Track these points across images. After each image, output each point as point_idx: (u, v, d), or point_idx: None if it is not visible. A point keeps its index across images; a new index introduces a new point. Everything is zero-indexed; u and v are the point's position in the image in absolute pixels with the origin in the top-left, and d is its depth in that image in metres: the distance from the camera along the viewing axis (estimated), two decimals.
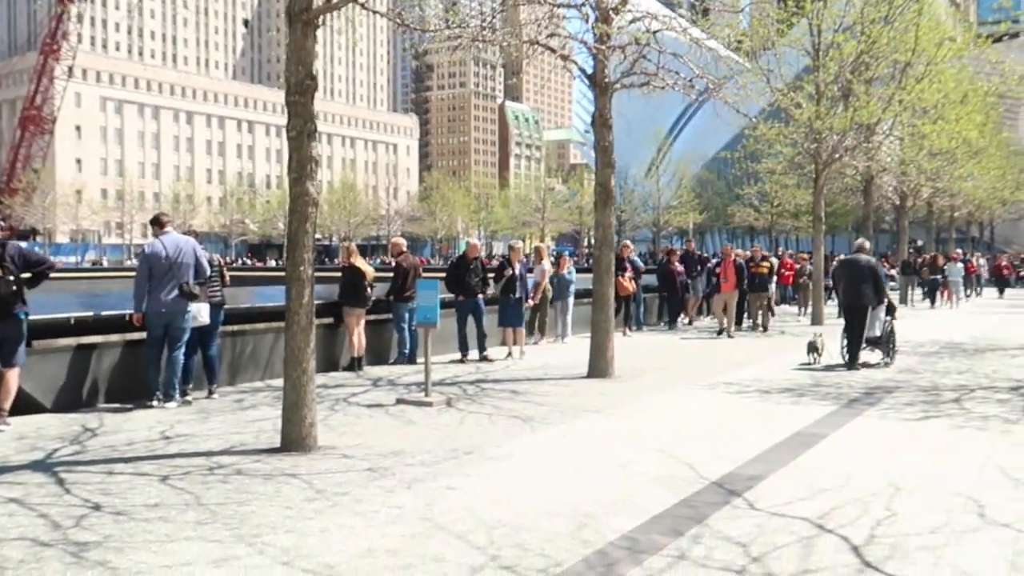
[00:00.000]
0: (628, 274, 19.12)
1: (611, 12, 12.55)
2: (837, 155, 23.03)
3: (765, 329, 20.68)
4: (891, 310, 14.85)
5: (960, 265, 33.60)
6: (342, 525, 5.59)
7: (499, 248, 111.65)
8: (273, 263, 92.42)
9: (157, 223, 10.48)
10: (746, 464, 7.28)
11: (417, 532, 5.44)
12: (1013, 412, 9.86)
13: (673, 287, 21.48)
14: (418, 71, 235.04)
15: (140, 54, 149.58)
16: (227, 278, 11.57)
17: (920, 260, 35.47)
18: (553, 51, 12.92)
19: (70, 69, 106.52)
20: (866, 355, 14.26)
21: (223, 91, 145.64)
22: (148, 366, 10.09)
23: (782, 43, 23.73)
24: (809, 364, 14.31)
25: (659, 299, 22.31)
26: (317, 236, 8.68)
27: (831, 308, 24.90)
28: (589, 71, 13.14)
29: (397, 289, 14.22)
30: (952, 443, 8.25)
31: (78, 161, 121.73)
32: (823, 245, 25.06)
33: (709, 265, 22.33)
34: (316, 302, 8.54)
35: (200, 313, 10.39)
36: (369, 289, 13.64)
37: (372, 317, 14.19)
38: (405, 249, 15.10)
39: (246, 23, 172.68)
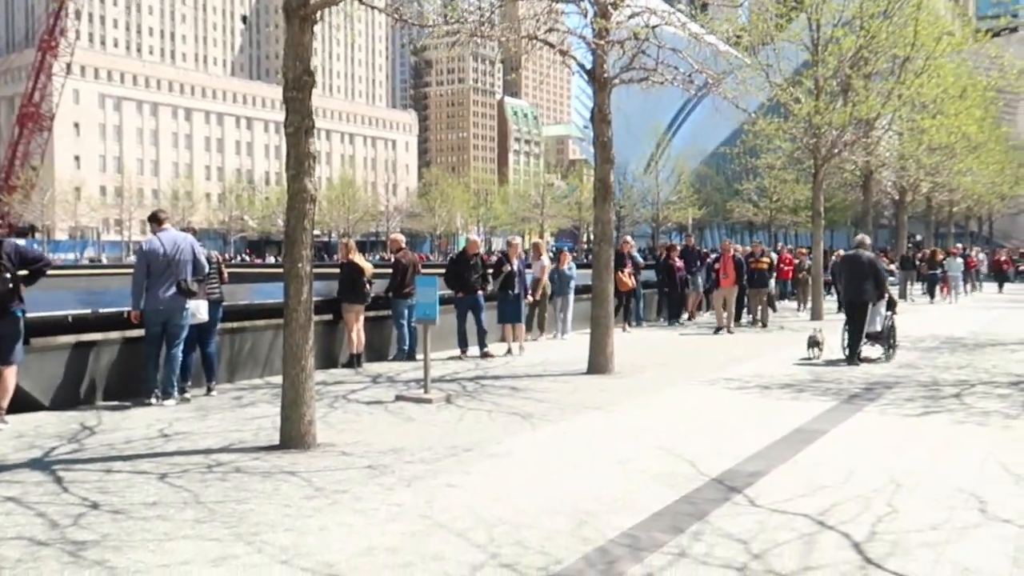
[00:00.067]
0: (628, 270, 19.09)
1: (610, 7, 12.50)
2: (836, 150, 23.02)
3: (764, 325, 20.65)
4: (892, 305, 14.83)
5: (960, 260, 33.59)
6: (341, 523, 5.56)
7: (498, 244, 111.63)
8: (272, 259, 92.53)
9: (155, 220, 10.44)
10: (746, 460, 7.25)
11: (417, 530, 5.42)
12: (1014, 407, 9.85)
13: (673, 283, 21.45)
14: (417, 67, 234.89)
15: (138, 50, 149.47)
16: (225, 275, 11.54)
17: (921, 255, 35.46)
18: (552, 46, 12.88)
19: (68, 66, 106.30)
20: (867, 350, 14.25)
21: (222, 87, 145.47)
22: (146, 364, 10.05)
23: (781, 38, 23.69)
24: (809, 359, 14.29)
25: (658, 295, 22.27)
26: (316, 233, 8.67)
27: (830, 303, 24.92)
28: (588, 67, 13.10)
29: (396, 285, 14.20)
30: (953, 439, 8.23)
31: (76, 158, 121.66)
32: (822, 240, 25.03)
33: (708, 261, 22.29)
34: (315, 299, 8.52)
35: (199, 310, 10.36)
36: (368, 285, 13.62)
37: (371, 313, 14.17)
38: (404, 245, 15.09)
39: (244, 19, 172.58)
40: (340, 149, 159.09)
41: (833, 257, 28.42)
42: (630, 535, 5.32)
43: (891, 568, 4.75)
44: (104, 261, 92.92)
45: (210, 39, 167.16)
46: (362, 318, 13.63)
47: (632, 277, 19.35)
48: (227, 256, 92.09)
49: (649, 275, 22.65)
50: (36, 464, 7.17)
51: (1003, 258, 41.93)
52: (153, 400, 9.94)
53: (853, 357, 13.85)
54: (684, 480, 6.61)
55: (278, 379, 8.65)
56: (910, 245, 42.29)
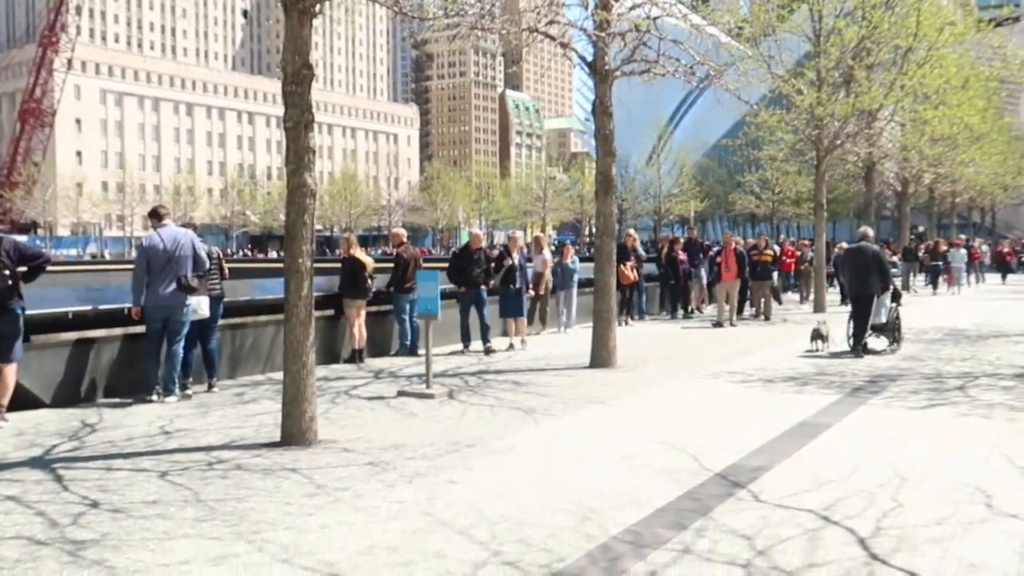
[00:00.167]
0: (630, 263, 19.03)
1: None
2: (839, 141, 22.93)
3: (767, 317, 20.60)
4: (896, 297, 14.80)
5: (963, 251, 33.51)
6: (342, 521, 5.53)
7: (500, 238, 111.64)
8: (274, 254, 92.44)
9: (155, 216, 10.40)
10: (750, 455, 7.21)
11: (418, 528, 5.38)
12: (1018, 399, 9.80)
13: (676, 276, 21.38)
14: (418, 60, 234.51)
15: (139, 46, 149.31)
16: (226, 271, 11.50)
17: (925, 246, 35.37)
18: (553, 39, 12.81)
19: (69, 61, 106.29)
20: (872, 342, 14.23)
21: (223, 82, 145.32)
22: (147, 360, 10.02)
23: (783, 29, 23.61)
24: (814, 351, 14.25)
25: (660, 288, 22.20)
26: (318, 227, 8.64)
27: (832, 295, 24.89)
28: (589, 59, 13.03)
29: (398, 280, 14.16)
30: (957, 431, 8.19)
31: (78, 154, 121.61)
32: (825, 232, 24.96)
33: (711, 254, 22.23)
34: (316, 294, 8.48)
35: (200, 306, 10.32)
36: (369, 280, 13.57)
37: (373, 309, 14.13)
38: (405, 240, 15.04)
39: (245, 14, 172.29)
40: (342, 143, 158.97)
41: (835, 249, 28.37)
42: (633, 531, 5.28)
43: (897, 564, 4.71)
44: (107, 257, 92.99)
45: (211, 34, 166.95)
46: (364, 313, 13.59)
47: (634, 270, 19.28)
48: (228, 251, 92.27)
49: (650, 268, 22.57)
50: (36, 462, 7.14)
51: (1006, 249, 41.86)
52: (154, 397, 9.90)
53: (858, 349, 13.81)
54: (687, 475, 6.56)
55: (280, 375, 8.61)
56: (912, 236, 42.23)
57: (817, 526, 5.34)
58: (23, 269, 8.88)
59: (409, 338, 14.26)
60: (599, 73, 12.83)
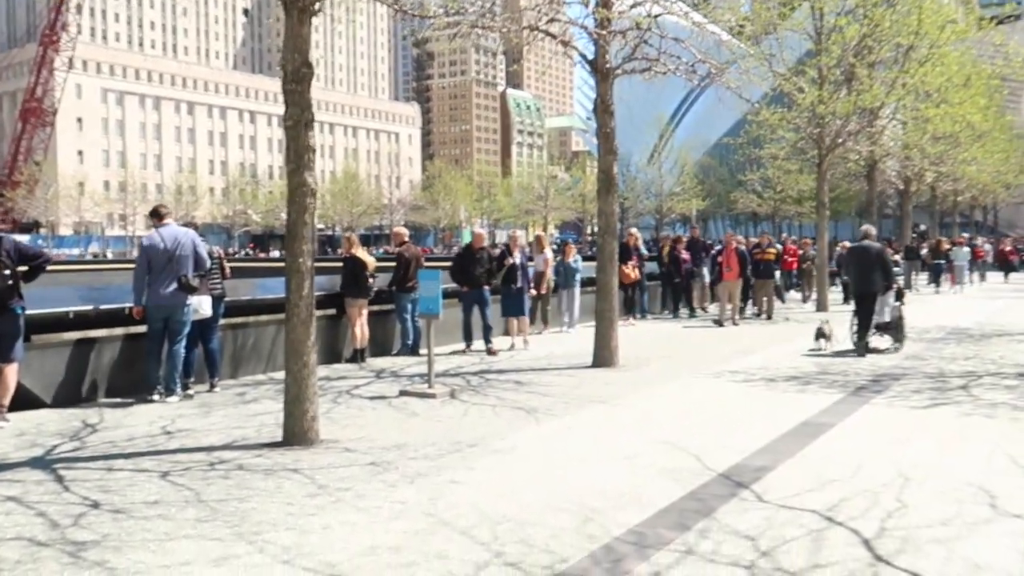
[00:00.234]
0: (632, 262, 19.00)
1: None
2: (840, 140, 22.91)
3: (770, 316, 20.57)
4: (900, 295, 14.79)
5: (966, 249, 33.47)
6: (344, 521, 5.51)
7: (501, 237, 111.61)
8: (276, 254, 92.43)
9: (156, 215, 10.38)
10: (753, 455, 7.18)
11: (420, 528, 5.36)
12: (1022, 399, 9.77)
13: (679, 274, 21.34)
14: (419, 59, 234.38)
15: (140, 44, 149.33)
16: (227, 270, 11.46)
17: (928, 244, 35.32)
18: (554, 37, 12.79)
19: (70, 60, 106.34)
20: (875, 340, 14.21)
21: (224, 81, 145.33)
22: (148, 360, 10.00)
23: (784, 27, 23.57)
24: (818, 350, 14.22)
25: (662, 287, 22.16)
26: (320, 226, 8.61)
27: (835, 294, 24.85)
28: (590, 57, 13.01)
29: (399, 279, 14.12)
30: (961, 431, 8.16)
31: (80, 153, 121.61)
32: (827, 231, 24.92)
33: (712, 253, 22.19)
34: (318, 293, 8.46)
35: (201, 306, 10.30)
36: (371, 280, 13.54)
37: (375, 308, 14.09)
38: (407, 239, 15.00)
39: (246, 12, 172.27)
40: (343, 142, 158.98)
41: (838, 248, 28.34)
42: (636, 532, 5.26)
43: (901, 565, 4.69)
44: (109, 256, 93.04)
45: (212, 32, 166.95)
46: (365, 312, 13.56)
47: (636, 270, 19.24)
48: (230, 251, 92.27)
49: (652, 267, 22.52)
50: (37, 463, 7.12)
51: (1008, 248, 41.79)
52: (156, 397, 9.89)
53: (862, 348, 13.79)
54: (690, 475, 6.54)
55: (281, 375, 8.59)
56: (914, 235, 42.16)
57: (821, 527, 5.32)
58: (23, 269, 8.86)
59: (411, 337, 14.24)
60: (600, 71, 12.80)
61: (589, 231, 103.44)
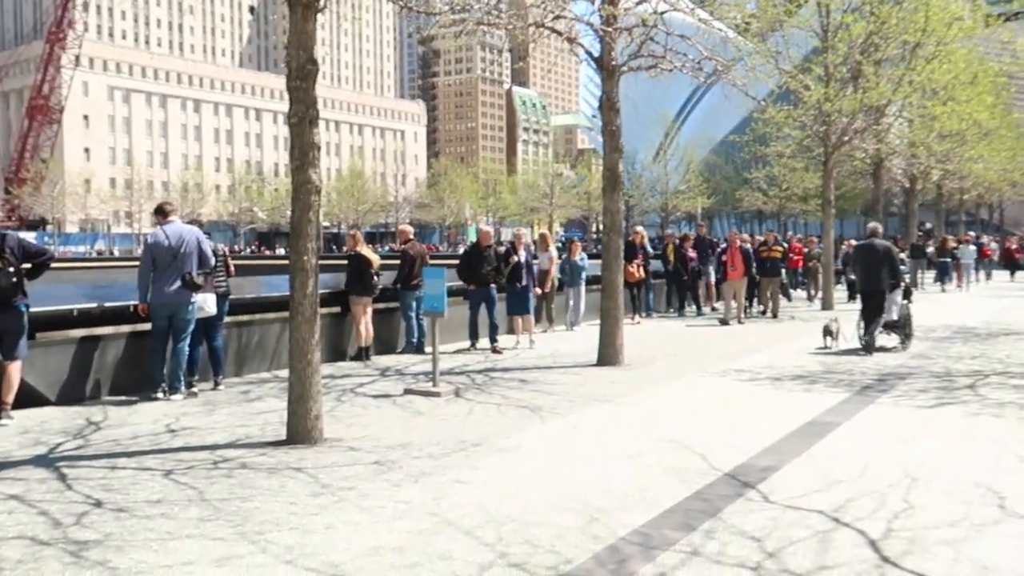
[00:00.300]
0: (638, 261, 18.94)
1: None
2: (846, 138, 22.85)
3: (775, 315, 20.50)
4: (907, 294, 14.75)
5: (972, 248, 33.37)
6: (347, 521, 5.48)
7: (506, 235, 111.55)
8: (282, 251, 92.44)
9: (160, 212, 10.36)
10: (759, 454, 7.14)
11: (424, 528, 5.33)
12: None
13: (687, 273, 21.28)
14: (425, 57, 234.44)
15: (147, 42, 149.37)
16: (231, 268, 11.45)
17: (933, 241, 35.21)
18: (559, 34, 12.75)
19: (77, 58, 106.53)
20: (883, 339, 14.16)
21: (230, 79, 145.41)
22: (153, 358, 9.99)
23: (790, 24, 23.50)
24: (825, 348, 14.18)
25: (667, 285, 22.11)
26: (325, 224, 8.57)
27: (839, 292, 24.77)
28: (596, 54, 12.96)
29: (404, 277, 14.09)
30: (968, 431, 8.11)
31: (86, 150, 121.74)
32: (833, 229, 24.85)
33: (717, 251, 22.12)
34: (322, 291, 8.43)
35: (206, 303, 10.28)
36: (376, 277, 13.50)
37: (380, 306, 14.06)
38: (412, 236, 14.96)
39: (252, 10, 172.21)
40: (349, 140, 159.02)
41: (843, 246, 28.26)
42: (641, 533, 5.22)
43: (908, 567, 4.64)
44: (116, 253, 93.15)
45: (218, 30, 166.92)
46: (370, 310, 13.53)
47: (641, 268, 19.19)
48: (236, 248, 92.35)
49: (656, 265, 22.45)
50: (40, 461, 7.11)
51: (1014, 246, 41.63)
52: (160, 394, 9.88)
53: (870, 346, 13.75)
54: (696, 475, 6.50)
55: (286, 372, 8.57)
56: (920, 233, 42.03)
57: (827, 528, 5.27)
58: (27, 266, 8.85)
59: (416, 335, 14.21)
60: (606, 69, 12.76)
61: (594, 229, 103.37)
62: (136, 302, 10.02)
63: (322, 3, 7.79)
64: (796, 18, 23.90)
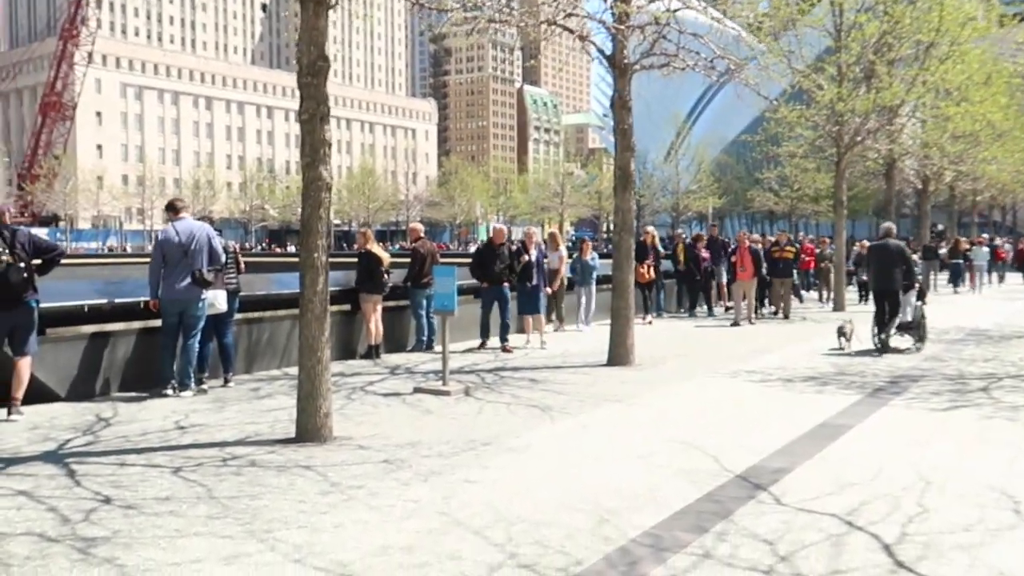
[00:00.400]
0: (649, 261, 18.88)
1: None
2: (859, 138, 22.74)
3: (787, 316, 20.41)
4: (921, 295, 14.68)
5: (985, 249, 33.19)
6: (357, 520, 5.45)
7: (516, 234, 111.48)
8: (293, 248, 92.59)
9: (172, 209, 10.36)
10: (771, 456, 7.09)
11: (433, 528, 5.29)
12: None
13: (699, 273, 21.20)
14: (436, 55, 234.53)
15: (159, 39, 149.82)
16: (242, 265, 11.44)
17: (946, 242, 35.04)
18: (571, 32, 12.70)
19: (89, 55, 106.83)
20: (896, 340, 14.10)
21: (242, 76, 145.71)
22: (163, 354, 9.98)
23: (803, 23, 23.39)
24: (839, 349, 14.10)
25: (678, 285, 22.03)
26: (336, 222, 8.54)
27: (851, 293, 24.66)
28: (608, 52, 12.91)
29: (414, 275, 14.07)
30: (981, 434, 8.03)
31: (99, 147, 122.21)
32: (845, 230, 24.74)
33: (728, 252, 22.03)
34: (333, 289, 8.40)
35: (217, 300, 10.27)
36: (386, 275, 13.48)
37: (390, 304, 14.04)
38: (423, 235, 14.93)
39: (264, 7, 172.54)
40: (360, 138, 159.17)
41: (855, 247, 28.13)
42: (652, 534, 5.17)
43: (923, 572, 4.58)
44: (128, 250, 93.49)
45: (230, 27, 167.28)
46: (380, 308, 13.51)
47: (651, 269, 19.12)
48: (247, 246, 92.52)
49: (667, 265, 22.36)
50: (50, 457, 7.10)
51: None
52: (170, 391, 9.87)
53: (884, 347, 13.69)
54: (707, 476, 6.45)
55: (296, 370, 8.54)
56: (933, 234, 41.84)
57: (841, 531, 5.22)
58: (37, 262, 8.85)
59: (426, 334, 14.19)
60: (618, 67, 12.70)
61: (605, 228, 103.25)
62: (146, 298, 10.02)
63: (334, 0, 7.76)
64: (809, 17, 23.79)
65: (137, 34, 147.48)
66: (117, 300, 10.71)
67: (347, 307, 13.49)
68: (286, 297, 12.48)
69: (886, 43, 22.11)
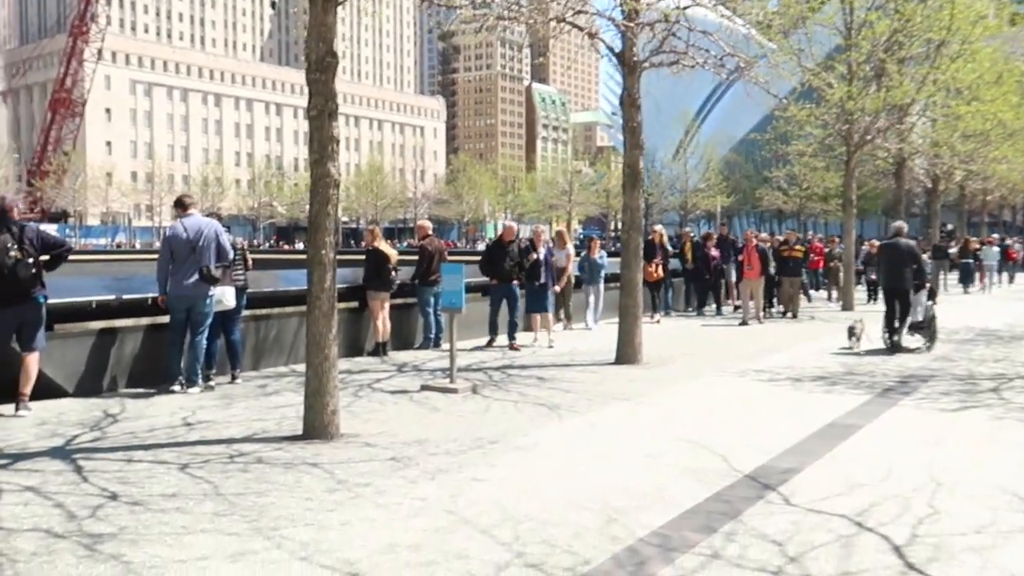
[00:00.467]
0: (657, 260, 18.83)
1: None
2: (869, 137, 22.64)
3: (795, 315, 20.34)
4: (932, 294, 14.62)
5: (995, 249, 33.05)
6: (364, 518, 5.42)
7: (524, 232, 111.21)
8: (301, 245, 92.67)
9: (180, 205, 10.36)
10: (780, 456, 7.04)
11: (441, 526, 5.27)
12: None
13: (709, 272, 21.13)
14: (445, 53, 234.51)
15: (168, 36, 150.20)
16: (250, 262, 11.44)
17: (956, 242, 34.88)
18: (580, 29, 12.66)
19: (99, 51, 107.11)
20: (907, 340, 14.05)
21: (251, 73, 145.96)
22: (170, 350, 9.97)
23: (813, 21, 23.29)
24: (848, 349, 14.04)
25: (686, 284, 21.97)
26: (344, 219, 8.51)
27: (860, 293, 24.56)
28: (617, 49, 12.86)
29: (422, 273, 14.05)
30: (992, 435, 7.98)
31: (108, 144, 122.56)
32: (854, 229, 24.64)
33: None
34: (340, 286, 8.38)
35: (225, 297, 10.26)
36: (393, 273, 13.47)
37: (398, 301, 14.03)
38: (430, 232, 14.91)
39: (273, 4, 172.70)
40: (368, 135, 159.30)
41: (864, 246, 28.02)
42: (660, 534, 5.14)
43: (934, 574, 4.54)
44: (137, 246, 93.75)
45: (239, 25, 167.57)
46: (388, 306, 13.50)
47: (660, 267, 19.07)
48: (255, 243, 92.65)
49: (674, 264, 22.29)
50: (57, 452, 7.09)
51: None
52: (177, 387, 9.86)
53: (895, 346, 13.63)
54: (716, 476, 6.41)
55: (303, 367, 8.53)
56: (943, 234, 41.66)
57: (850, 532, 5.18)
58: (45, 258, 8.85)
59: (433, 331, 14.17)
60: (627, 64, 12.65)
61: (613, 227, 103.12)
62: (154, 295, 10.02)
63: None
64: (819, 15, 23.68)
65: (147, 31, 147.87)
66: (125, 296, 10.72)
67: (355, 304, 13.49)
68: (294, 294, 12.50)
69: (896, 41, 22.01)
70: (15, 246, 8.50)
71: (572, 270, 17.39)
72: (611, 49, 12.97)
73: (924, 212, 47.91)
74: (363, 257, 13.87)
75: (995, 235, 46.56)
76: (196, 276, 9.79)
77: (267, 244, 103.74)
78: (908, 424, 8.45)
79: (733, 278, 21.78)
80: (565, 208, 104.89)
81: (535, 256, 14.87)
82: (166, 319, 10.05)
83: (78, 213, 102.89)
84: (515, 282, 14.51)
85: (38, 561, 4.67)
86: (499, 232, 15.75)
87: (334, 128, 7.76)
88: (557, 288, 16.32)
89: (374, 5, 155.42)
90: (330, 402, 7.75)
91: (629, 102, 12.85)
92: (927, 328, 14.18)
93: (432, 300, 14.02)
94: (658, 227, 20.61)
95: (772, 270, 19.86)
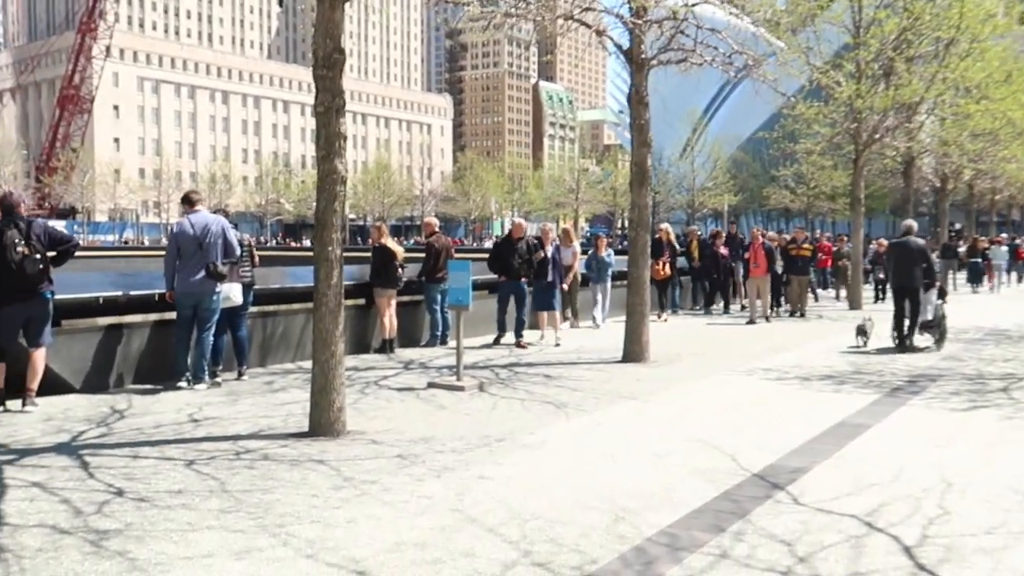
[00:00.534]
0: (664, 258, 18.78)
1: None
2: (877, 135, 22.55)
3: (803, 314, 20.28)
4: (942, 293, 14.59)
5: (1004, 248, 32.94)
6: (370, 516, 5.40)
7: (531, 230, 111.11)
8: (308, 242, 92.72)
9: (187, 201, 10.33)
10: (788, 455, 7.00)
11: (447, 524, 5.24)
12: None
13: (718, 270, 21.08)
14: (452, 51, 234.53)
15: (176, 33, 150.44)
16: (256, 258, 11.41)
17: (969, 242, 34.77)
18: (588, 26, 12.62)
19: (107, 48, 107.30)
20: (917, 339, 14.00)
21: (258, 71, 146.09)
22: (177, 347, 9.97)
23: (822, 19, 23.21)
24: (858, 347, 13.99)
25: (693, 282, 21.92)
26: (351, 216, 8.49)
27: (868, 292, 24.48)
28: (625, 47, 12.82)
29: (429, 270, 14.03)
30: (1002, 435, 7.93)
31: (116, 140, 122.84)
32: (862, 228, 24.56)
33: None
34: (347, 283, 8.36)
35: (231, 293, 10.24)
36: (400, 270, 13.45)
37: (404, 298, 14.01)
38: (437, 229, 14.88)
39: (281, 2, 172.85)
40: (375, 133, 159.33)
41: (872, 245, 27.94)
42: (668, 533, 5.11)
43: (945, 575, 4.50)
44: (145, 243, 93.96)
45: (247, 22, 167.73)
46: (394, 303, 13.48)
47: (667, 265, 19.02)
48: (262, 239, 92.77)
49: (681, 262, 22.21)
50: (63, 448, 7.08)
51: None
52: (184, 384, 9.85)
53: (904, 345, 13.58)
54: (724, 475, 6.38)
55: (310, 364, 8.50)
56: (951, 233, 41.55)
57: (860, 533, 5.14)
58: (52, 253, 8.84)
59: (440, 329, 14.14)
60: (635, 62, 12.61)
61: (620, 225, 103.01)
62: (160, 291, 10.02)
63: None
64: (828, 13, 23.59)
65: (154, 28, 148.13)
66: (132, 292, 10.71)
67: (361, 301, 13.46)
68: (300, 291, 12.46)
69: (905, 40, 21.92)
70: (22, 242, 8.49)
71: (578, 268, 17.35)
72: (619, 47, 12.93)
73: (932, 211, 47.73)
74: (370, 254, 13.86)
75: (1004, 234, 46.38)
76: (203, 272, 9.78)
77: (274, 241, 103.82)
78: (918, 424, 8.41)
79: (741, 276, 21.74)
80: (572, 206, 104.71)
81: (543, 254, 14.83)
82: (173, 315, 10.03)
83: (86, 209, 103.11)
84: (523, 279, 14.47)
85: (44, 557, 4.65)
86: (508, 229, 15.70)
87: (341, 125, 7.74)
88: (565, 286, 16.30)
89: (381, 2, 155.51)
90: (336, 399, 7.73)
91: (637, 100, 12.80)
92: (937, 327, 14.12)
93: (439, 297, 14.00)
94: (664, 225, 20.55)
95: (779, 268, 19.81)
